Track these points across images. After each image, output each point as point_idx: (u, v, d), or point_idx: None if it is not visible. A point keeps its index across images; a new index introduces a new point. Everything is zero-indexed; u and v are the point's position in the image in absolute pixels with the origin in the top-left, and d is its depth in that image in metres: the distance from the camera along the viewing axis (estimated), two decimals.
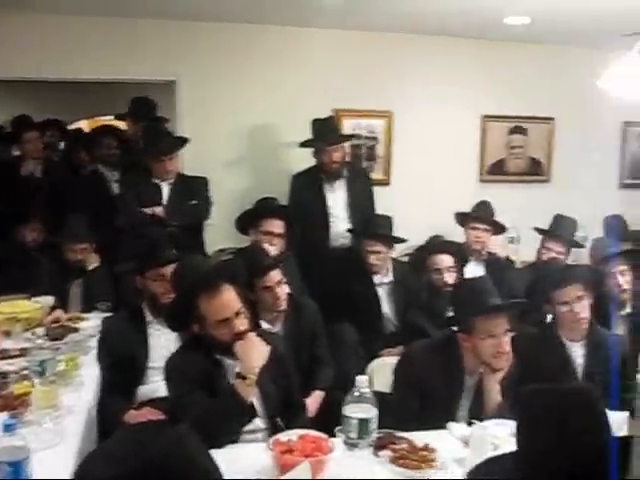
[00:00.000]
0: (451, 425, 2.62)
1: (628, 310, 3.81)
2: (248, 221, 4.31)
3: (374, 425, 2.17)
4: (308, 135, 4.78)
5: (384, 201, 4.98)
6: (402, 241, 4.51)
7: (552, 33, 5.22)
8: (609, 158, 6.04)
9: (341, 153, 4.76)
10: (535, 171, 5.94)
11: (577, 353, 3.22)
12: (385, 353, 3.98)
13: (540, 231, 4.72)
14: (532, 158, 5.91)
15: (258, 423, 2.59)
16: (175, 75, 5.01)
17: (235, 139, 5.14)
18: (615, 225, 5.03)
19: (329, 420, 2.44)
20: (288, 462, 2.11)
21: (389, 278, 4.47)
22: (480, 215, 4.82)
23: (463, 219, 4.86)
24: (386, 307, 4.44)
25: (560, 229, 4.68)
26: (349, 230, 4.67)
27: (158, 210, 4.45)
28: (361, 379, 2.23)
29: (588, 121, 5.80)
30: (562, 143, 5.92)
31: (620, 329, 3.76)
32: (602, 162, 5.91)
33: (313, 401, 3.40)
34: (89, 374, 3.18)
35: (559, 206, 5.78)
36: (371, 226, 4.53)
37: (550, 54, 5.68)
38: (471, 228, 4.76)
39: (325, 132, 4.76)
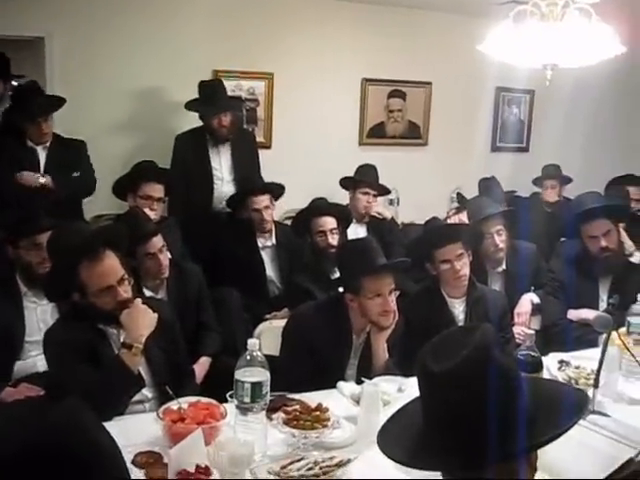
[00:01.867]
0: (341, 384, 2.65)
1: (504, 267, 3.98)
2: (126, 186, 4.15)
3: (267, 388, 2.15)
4: (189, 96, 4.63)
5: (266, 164, 4.94)
6: (281, 189, 4.50)
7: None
8: (483, 122, 6.24)
9: (230, 117, 4.65)
10: (413, 134, 6.05)
11: (458, 309, 3.33)
12: (271, 316, 3.99)
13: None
14: (411, 121, 6.01)
15: (146, 393, 2.52)
16: (44, 32, 4.69)
17: (113, 100, 4.89)
18: (490, 186, 5.22)
19: (219, 386, 2.40)
20: (180, 431, 2.06)
21: (272, 241, 4.46)
22: (368, 180, 4.91)
23: (350, 183, 4.92)
24: (270, 270, 4.42)
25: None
26: (232, 195, 4.59)
27: (45, 180, 4.17)
28: (252, 342, 2.20)
29: (463, 86, 5.96)
30: (439, 107, 6.06)
31: (496, 285, 3.94)
32: (476, 126, 6.10)
33: (200, 367, 3.35)
34: None
35: (436, 168, 5.98)
36: (254, 183, 4.53)
37: (428, 20, 5.77)
38: (362, 193, 4.86)
39: (213, 96, 4.61)
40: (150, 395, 2.55)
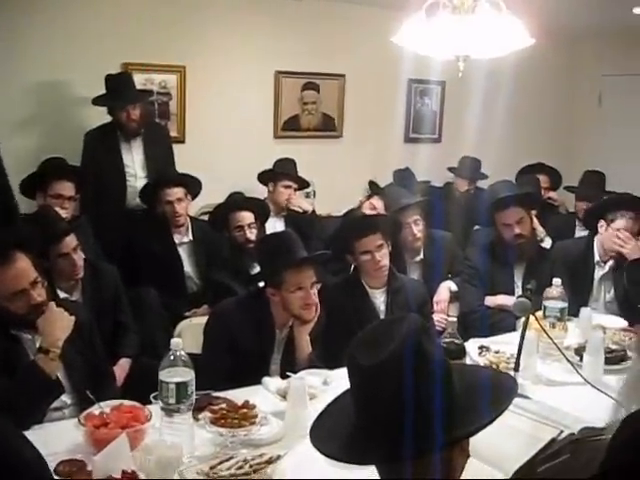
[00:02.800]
0: (266, 380, 2.63)
1: (421, 256, 4.04)
2: (35, 184, 3.99)
3: (192, 388, 2.11)
4: (99, 90, 4.49)
5: (180, 159, 4.84)
6: (197, 184, 4.43)
7: None
8: (396, 114, 6.30)
9: (139, 110, 4.53)
10: (328, 127, 6.05)
11: (379, 300, 3.36)
12: (191, 314, 3.93)
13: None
14: (325, 114, 6.01)
15: (64, 399, 2.43)
16: None
17: (16, 96, 4.66)
18: (405, 177, 5.30)
19: (141, 387, 2.34)
20: (103, 436, 2.00)
21: (189, 237, 4.38)
22: (289, 172, 4.90)
23: (270, 177, 4.89)
24: (188, 267, 4.35)
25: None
26: (144, 187, 4.47)
27: None
28: (175, 342, 2.14)
29: (377, 78, 5.99)
30: (353, 99, 6.08)
31: (415, 274, 4.00)
32: (390, 117, 6.17)
33: (121, 369, 3.27)
34: None
35: (351, 160, 6.02)
36: (167, 175, 4.46)
37: (341, 12, 5.76)
38: (283, 187, 4.84)
39: (120, 89, 4.49)
40: (69, 401, 2.46)
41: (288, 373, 2.59)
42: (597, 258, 3.70)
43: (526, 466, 1.97)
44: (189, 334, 3.23)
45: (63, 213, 3.71)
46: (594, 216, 3.76)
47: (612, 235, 3.58)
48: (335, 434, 1.44)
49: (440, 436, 1.29)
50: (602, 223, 3.65)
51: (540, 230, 4.22)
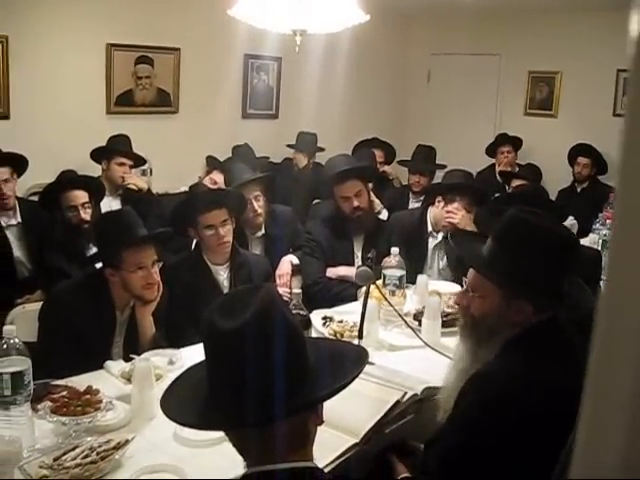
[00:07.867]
0: (108, 363, 2.55)
1: (263, 232, 4.04)
2: None
3: (29, 377, 1.99)
4: None
5: (4, 137, 4.52)
6: (25, 162, 4.17)
7: None
8: (233, 89, 6.24)
9: None
10: (163, 102, 5.87)
11: (223, 276, 3.33)
12: (23, 300, 3.71)
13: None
14: (160, 89, 5.82)
15: None
16: None
17: None
18: (243, 153, 5.27)
19: None
20: None
21: (17, 219, 4.14)
22: (123, 149, 4.74)
23: (104, 154, 4.70)
24: (17, 251, 4.11)
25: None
26: None
27: None
28: (8, 329, 2.01)
29: (213, 53, 5.90)
30: (189, 74, 5.94)
31: (257, 249, 4.00)
32: (226, 93, 6.08)
33: None
34: None
35: (188, 137, 5.90)
36: None
37: None
38: (117, 164, 4.69)
39: None
40: None
41: (132, 355, 2.52)
42: (430, 229, 3.87)
43: (374, 428, 2.04)
44: (23, 322, 3.04)
45: None
46: (436, 192, 3.90)
47: (444, 210, 3.75)
48: (190, 404, 1.42)
49: (295, 401, 1.31)
50: (440, 199, 3.80)
51: (377, 202, 4.35)
